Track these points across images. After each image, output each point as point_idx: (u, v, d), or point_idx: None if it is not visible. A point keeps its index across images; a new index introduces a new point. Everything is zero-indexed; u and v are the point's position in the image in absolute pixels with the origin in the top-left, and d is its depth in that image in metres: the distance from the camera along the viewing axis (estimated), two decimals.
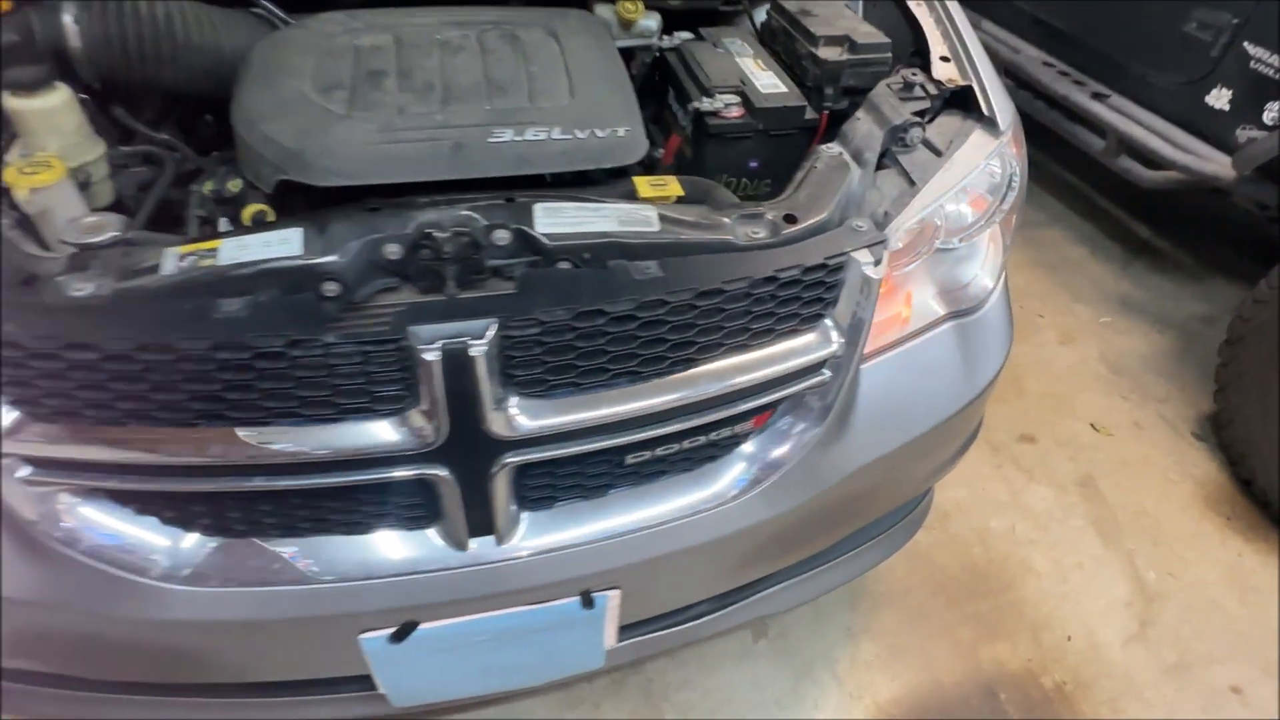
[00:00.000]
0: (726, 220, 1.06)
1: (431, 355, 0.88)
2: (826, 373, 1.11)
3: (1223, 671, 1.80)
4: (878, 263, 1.08)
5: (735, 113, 1.32)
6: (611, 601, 1.12)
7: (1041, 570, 1.99)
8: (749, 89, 1.36)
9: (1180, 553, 2.06)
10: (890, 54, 1.43)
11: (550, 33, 1.38)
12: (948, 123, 1.30)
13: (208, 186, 1.16)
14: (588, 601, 1.10)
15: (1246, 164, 2.14)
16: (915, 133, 1.24)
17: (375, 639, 1.04)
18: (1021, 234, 3.35)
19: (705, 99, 1.32)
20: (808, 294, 1.06)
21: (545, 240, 0.98)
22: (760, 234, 1.05)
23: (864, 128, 1.25)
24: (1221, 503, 2.19)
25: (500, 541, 1.04)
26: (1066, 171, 3.55)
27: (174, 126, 1.38)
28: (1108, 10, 2.61)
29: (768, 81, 1.39)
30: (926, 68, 1.36)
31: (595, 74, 1.30)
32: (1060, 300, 2.89)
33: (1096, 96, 2.65)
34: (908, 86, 1.31)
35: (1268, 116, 2.20)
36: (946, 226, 1.28)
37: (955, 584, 1.94)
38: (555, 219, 1.00)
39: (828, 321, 1.09)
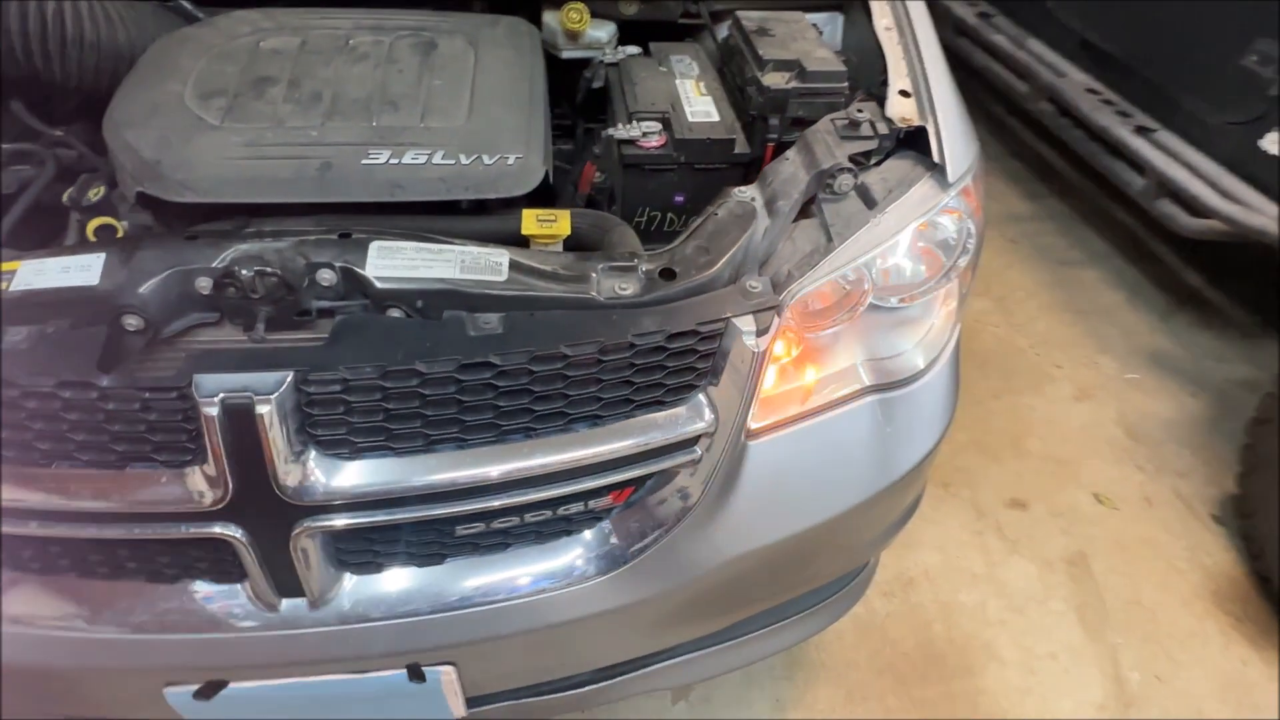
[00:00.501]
0: (592, 272, 0.94)
1: (211, 410, 0.79)
2: (697, 451, 0.98)
3: None
4: (763, 332, 0.94)
5: (655, 142, 1.20)
6: (447, 678, 1.02)
7: (1007, 657, 1.80)
8: (676, 116, 1.23)
9: (1174, 653, 1.84)
10: (846, 84, 1.28)
11: (471, 42, 1.28)
12: (896, 168, 1.15)
13: (67, 194, 1.10)
14: (417, 675, 1.00)
15: None
16: (845, 179, 1.09)
17: (180, 694, 0.97)
18: (1053, 273, 3.10)
19: (621, 125, 1.20)
20: (675, 363, 0.93)
21: (375, 283, 0.88)
22: (628, 290, 0.93)
23: (788, 169, 1.10)
24: (1232, 600, 1.95)
25: (314, 605, 0.95)
26: (1115, 205, 3.26)
27: (88, 125, 1.33)
28: (1161, 36, 2.35)
29: (700, 109, 1.26)
30: (884, 102, 1.21)
31: (503, 92, 1.19)
32: (1084, 351, 2.64)
33: (1141, 131, 2.39)
34: (852, 124, 1.16)
35: None
36: (885, 284, 1.13)
37: (906, 662, 1.77)
38: (391, 260, 0.90)
39: (700, 396, 0.96)
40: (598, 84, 1.43)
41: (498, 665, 1.08)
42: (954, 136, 1.15)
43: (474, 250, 0.92)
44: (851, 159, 1.13)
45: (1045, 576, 1.97)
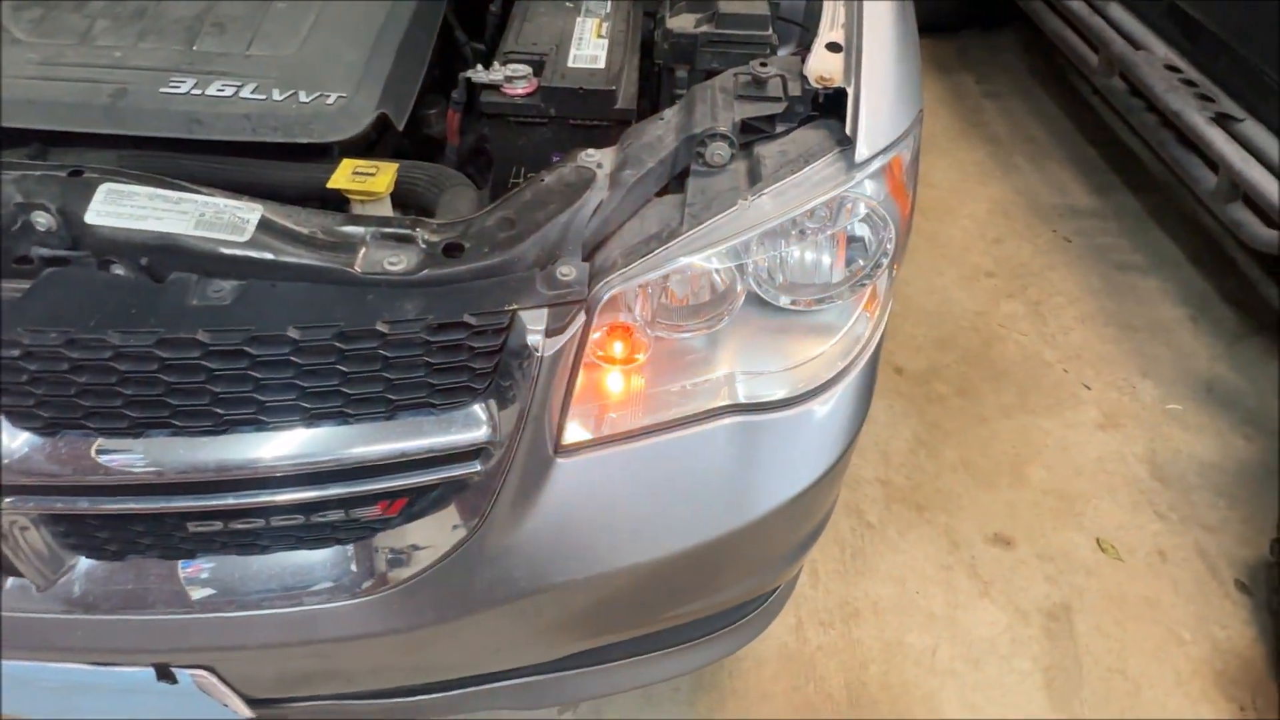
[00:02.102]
0: (361, 241, 0.78)
1: None
2: (477, 464, 0.82)
3: None
4: (557, 331, 0.76)
5: (521, 89, 1.01)
6: (204, 681, 0.92)
7: (948, 713, 1.58)
8: (555, 60, 1.04)
9: None
10: (769, 32, 1.05)
11: None
12: (803, 139, 0.93)
13: None
14: (165, 675, 0.90)
15: None
16: (718, 149, 0.88)
17: None
18: (1106, 279, 2.71)
19: (481, 67, 1.01)
20: (444, 359, 0.76)
21: (94, 231, 0.75)
22: (398, 265, 0.76)
23: (655, 131, 0.90)
24: (1241, 685, 1.65)
25: (40, 588, 0.85)
26: (1198, 207, 2.82)
27: None
28: (1265, 4, 1.94)
29: (587, 53, 1.05)
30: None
31: (356, 17, 1.03)
32: (1123, 372, 2.30)
33: (1221, 118, 2.01)
34: (756, 82, 0.94)
35: None
36: (781, 281, 0.93)
37: (829, 704, 1.58)
38: (117, 206, 0.76)
39: (477, 403, 0.79)
40: (495, 8, 1.25)
41: (272, 672, 0.97)
42: (879, 102, 0.92)
43: (219, 203, 0.77)
44: (749, 124, 0.92)
45: (1016, 628, 1.72)
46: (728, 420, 0.91)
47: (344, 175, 0.91)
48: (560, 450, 0.85)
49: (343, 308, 0.74)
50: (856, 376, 1.00)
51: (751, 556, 1.02)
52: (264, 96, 0.92)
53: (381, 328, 0.73)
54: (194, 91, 0.92)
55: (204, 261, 0.75)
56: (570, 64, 1.03)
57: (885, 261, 0.92)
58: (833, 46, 0.98)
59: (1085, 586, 1.80)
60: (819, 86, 0.92)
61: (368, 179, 0.91)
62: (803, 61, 0.96)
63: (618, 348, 0.88)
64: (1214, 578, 1.83)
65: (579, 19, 1.13)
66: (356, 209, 0.93)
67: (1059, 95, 3.39)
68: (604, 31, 1.10)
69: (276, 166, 0.94)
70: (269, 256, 0.75)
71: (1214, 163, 2.00)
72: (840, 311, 1.00)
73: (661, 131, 0.90)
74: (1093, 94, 3.29)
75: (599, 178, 0.85)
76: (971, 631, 1.71)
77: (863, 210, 0.90)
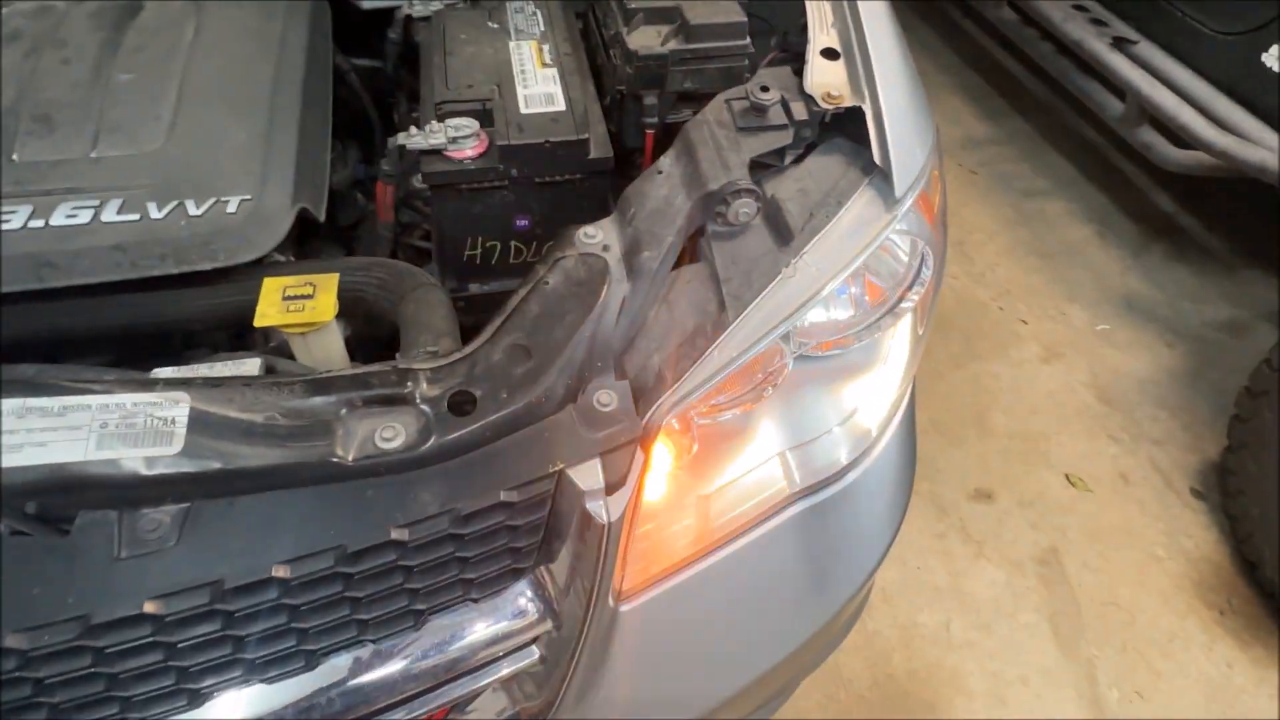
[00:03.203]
0: (336, 414, 0.59)
1: None
2: (536, 652, 0.66)
3: None
4: (617, 485, 0.61)
5: (470, 150, 0.81)
6: None
7: (975, 687, 1.59)
8: (503, 105, 0.85)
9: (1154, 662, 1.65)
10: (747, 41, 0.90)
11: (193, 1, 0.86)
12: (821, 172, 0.79)
13: None
14: None
15: None
16: (742, 206, 0.73)
17: None
18: (1015, 208, 2.77)
19: (415, 129, 0.80)
20: (478, 549, 0.60)
21: None
22: (396, 439, 0.58)
23: (658, 191, 0.74)
24: (1216, 590, 1.76)
25: None
26: (1085, 123, 2.92)
27: None
28: None
29: (540, 90, 0.86)
30: (801, 67, 0.83)
31: (232, 84, 0.79)
32: (1051, 300, 2.36)
33: (1118, 43, 2.03)
34: (755, 109, 0.79)
35: None
36: (812, 334, 0.81)
37: (864, 707, 1.55)
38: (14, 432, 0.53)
39: (522, 588, 0.64)
40: (395, 35, 1.02)
41: None
42: (900, 119, 0.79)
43: (126, 402, 0.56)
44: (756, 163, 0.77)
45: (1014, 582, 1.75)
46: (792, 510, 0.80)
47: (271, 303, 0.70)
48: (621, 597, 0.71)
49: (338, 517, 0.55)
50: (905, 409, 0.91)
51: (834, 636, 0.92)
52: (137, 216, 0.69)
53: (398, 536, 0.55)
54: (33, 224, 0.67)
55: (123, 492, 0.54)
56: (524, 109, 0.84)
57: (919, 293, 0.82)
58: (829, 53, 0.84)
59: (1065, 525, 1.85)
60: (828, 106, 0.79)
61: (305, 304, 0.70)
62: (798, 74, 0.82)
63: (664, 456, 0.74)
64: (1171, 490, 1.93)
65: (512, 44, 0.93)
66: (298, 348, 0.72)
67: (939, 25, 3.40)
68: (548, 58, 0.91)
69: (170, 300, 0.71)
70: (216, 466, 0.55)
71: (1119, 89, 2.03)
72: (866, 350, 0.89)
73: (667, 191, 0.74)
74: (964, 17, 3.32)
75: (612, 266, 0.68)
76: (976, 596, 1.72)
77: (906, 250, 0.79)
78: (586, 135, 0.81)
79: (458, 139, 0.80)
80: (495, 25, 0.95)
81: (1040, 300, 2.36)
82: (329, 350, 0.73)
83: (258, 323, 0.68)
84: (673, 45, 0.87)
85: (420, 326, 0.71)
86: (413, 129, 0.80)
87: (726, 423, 0.79)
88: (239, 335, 0.79)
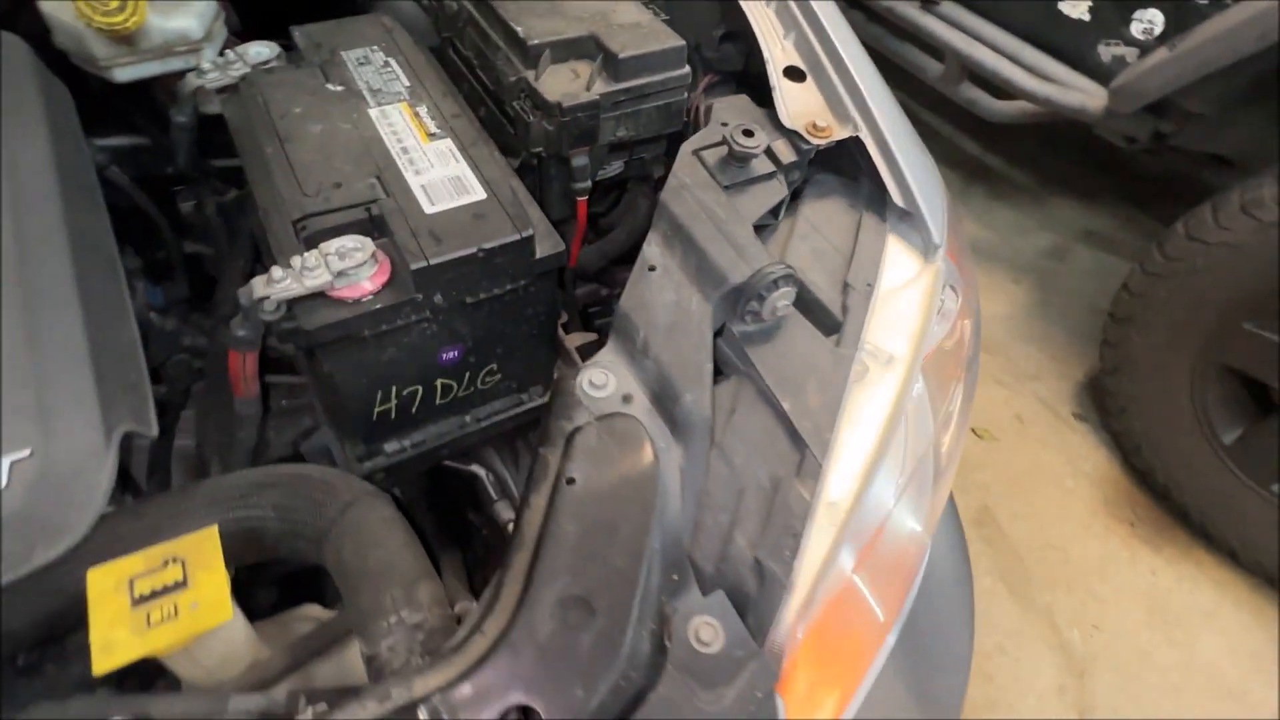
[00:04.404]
0: None
1: None
2: None
3: None
4: None
5: (367, 283, 0.56)
6: None
7: None
8: (395, 205, 0.60)
9: (1096, 590, 1.73)
10: (686, 69, 0.71)
11: None
12: (826, 221, 0.63)
13: None
14: None
15: (1133, 100, 1.68)
16: (781, 299, 0.55)
17: None
18: None
19: (275, 271, 0.54)
20: None
21: None
22: None
23: (664, 294, 0.54)
24: (1122, 505, 1.89)
25: None
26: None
27: None
28: None
29: (439, 174, 0.62)
30: (762, 95, 0.67)
31: None
32: None
33: (925, 4, 2.08)
34: (736, 159, 0.61)
35: (1137, 29, 1.74)
36: None
37: None
38: None
39: None
40: (183, 118, 0.73)
41: None
42: (909, 147, 0.65)
43: None
44: (756, 228, 0.60)
45: None
46: (889, 640, 0.65)
47: (113, 617, 0.42)
48: None
49: None
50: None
51: None
52: None
53: None
54: None
55: None
56: (429, 206, 0.59)
57: (965, 357, 0.69)
58: (794, 73, 0.68)
59: (988, 481, 1.90)
60: (818, 142, 0.63)
61: (175, 604, 0.43)
62: (760, 103, 0.66)
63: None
64: (1059, 420, 2.05)
65: (374, 113, 0.67)
66: (177, 661, 0.45)
67: None
68: (432, 125, 0.66)
69: None
70: None
71: (937, 51, 2.09)
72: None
73: (675, 294, 0.55)
74: None
75: (650, 428, 0.48)
76: None
77: (951, 304, 0.65)
78: (530, 231, 0.59)
79: (346, 271, 0.54)
80: (338, 87, 0.69)
81: None
82: (228, 654, 0.46)
83: (100, 667, 0.40)
84: (601, 89, 0.66)
85: (373, 576, 0.47)
86: (274, 271, 0.53)
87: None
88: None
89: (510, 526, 0.73)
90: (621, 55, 0.66)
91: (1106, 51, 1.82)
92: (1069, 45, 1.88)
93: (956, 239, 0.67)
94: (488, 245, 0.57)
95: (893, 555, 0.57)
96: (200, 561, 0.44)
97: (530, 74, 0.66)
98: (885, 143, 0.62)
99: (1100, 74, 1.83)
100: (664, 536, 0.44)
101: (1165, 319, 1.68)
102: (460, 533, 0.86)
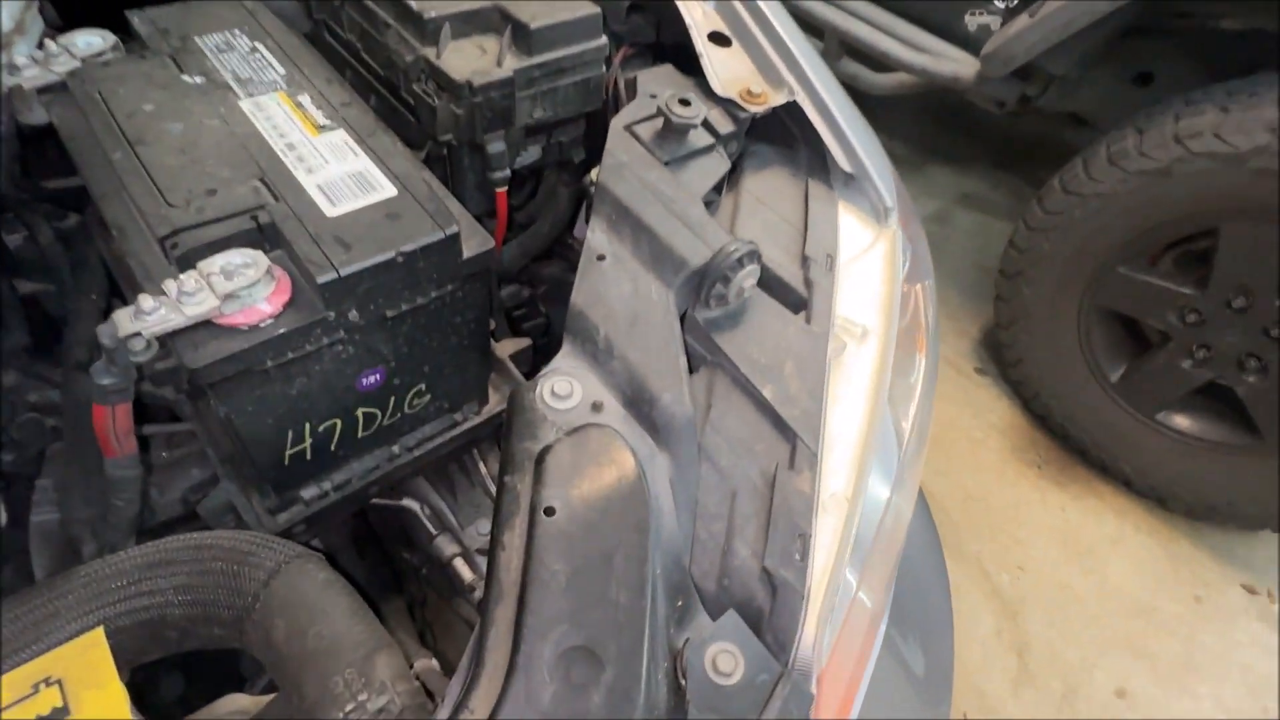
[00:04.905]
0: None
1: None
2: None
3: (1103, 676, 1.61)
4: None
5: (264, 305, 0.47)
6: None
7: None
8: (289, 211, 0.51)
9: (1016, 534, 1.82)
10: (603, 40, 0.65)
11: None
12: (771, 193, 0.59)
13: None
14: None
15: (1002, 65, 1.76)
16: (747, 278, 0.51)
17: None
18: None
19: (144, 301, 0.44)
20: None
21: None
22: None
23: (619, 286, 0.48)
24: (1027, 449, 2.00)
25: None
26: None
27: None
28: None
29: (337, 172, 0.53)
30: (683, 66, 0.62)
31: None
32: None
33: None
34: (673, 130, 0.56)
35: None
36: None
37: None
38: None
39: None
40: None
41: None
42: (847, 107, 0.62)
43: None
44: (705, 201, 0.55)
45: None
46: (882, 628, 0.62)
47: None
48: None
49: None
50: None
51: None
52: None
53: None
54: None
55: None
56: (330, 208, 0.50)
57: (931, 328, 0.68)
58: (718, 39, 0.64)
59: None
60: (754, 109, 0.59)
61: None
62: (688, 71, 0.61)
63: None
64: (962, 376, 2.15)
65: (246, 105, 0.57)
66: None
67: None
68: (319, 116, 0.57)
69: None
70: None
71: (815, 28, 2.12)
72: None
73: (631, 285, 0.49)
74: None
75: (629, 438, 0.42)
76: None
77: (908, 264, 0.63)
78: (455, 228, 0.51)
79: (236, 293, 0.45)
80: (198, 79, 0.58)
81: None
82: None
83: None
84: (513, 64, 0.59)
85: (317, 658, 0.38)
86: (141, 301, 0.43)
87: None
88: None
89: (456, 563, 0.65)
90: (534, 25, 0.59)
91: (973, 21, 1.90)
92: (938, 17, 1.95)
93: (902, 202, 0.65)
94: (407, 248, 0.49)
95: (884, 542, 0.54)
96: (84, 677, 0.35)
97: (430, 51, 0.58)
98: (825, 106, 0.59)
99: (969, 43, 1.91)
100: (664, 559, 0.39)
101: (1050, 270, 1.77)
102: (392, 574, 0.77)
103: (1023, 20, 1.72)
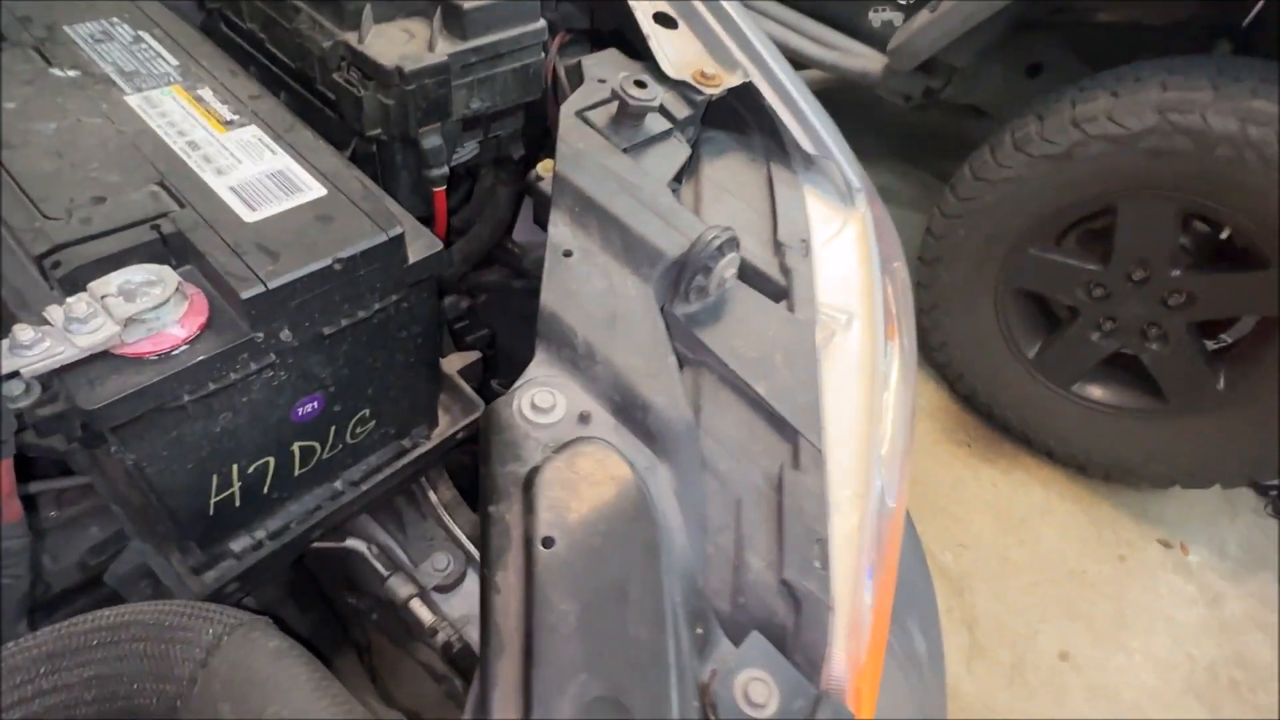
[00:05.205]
0: None
1: None
2: None
3: (1046, 642, 1.67)
4: None
5: (179, 328, 0.39)
6: None
7: None
8: (197, 218, 0.43)
9: (953, 511, 1.87)
10: (541, 23, 0.60)
11: None
12: (733, 180, 0.56)
13: None
14: None
15: (909, 60, 1.81)
16: (728, 267, 0.47)
17: None
18: None
19: (19, 331, 0.36)
20: None
21: None
22: None
23: (593, 283, 0.44)
24: (956, 429, 2.06)
25: None
26: None
27: None
28: None
29: (253, 171, 0.47)
30: (624, 47, 0.58)
31: None
32: None
33: None
34: (628, 115, 0.52)
35: None
36: None
37: None
38: None
39: None
40: None
41: None
42: (801, 87, 0.60)
43: None
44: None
45: None
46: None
47: None
48: None
49: None
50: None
51: None
52: None
53: None
54: None
55: None
56: (249, 214, 0.43)
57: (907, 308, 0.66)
58: (664, 19, 0.60)
59: None
60: (710, 91, 0.56)
61: None
62: (640, 54, 0.57)
63: None
64: None
65: (134, 101, 0.49)
66: None
67: None
68: (225, 111, 0.50)
69: None
70: None
71: None
72: None
73: (605, 281, 0.44)
74: None
75: (627, 452, 0.37)
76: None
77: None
78: (398, 229, 0.45)
79: (140, 316, 0.37)
80: (71, 73, 0.50)
81: None
82: None
83: None
84: (446, 49, 0.53)
85: None
86: (16, 333, 0.35)
87: None
88: None
89: (413, 604, 0.59)
90: (466, 6, 0.53)
91: (876, 17, 1.95)
92: (844, 15, 2.00)
93: (865, 183, 0.63)
94: (345, 254, 0.43)
95: (890, 537, 0.51)
96: None
97: (351, 36, 0.52)
98: (783, 86, 0.56)
99: (875, 39, 1.97)
100: (680, 582, 0.34)
101: (966, 255, 1.84)
102: (337, 621, 0.69)
103: (925, 16, 1.78)
